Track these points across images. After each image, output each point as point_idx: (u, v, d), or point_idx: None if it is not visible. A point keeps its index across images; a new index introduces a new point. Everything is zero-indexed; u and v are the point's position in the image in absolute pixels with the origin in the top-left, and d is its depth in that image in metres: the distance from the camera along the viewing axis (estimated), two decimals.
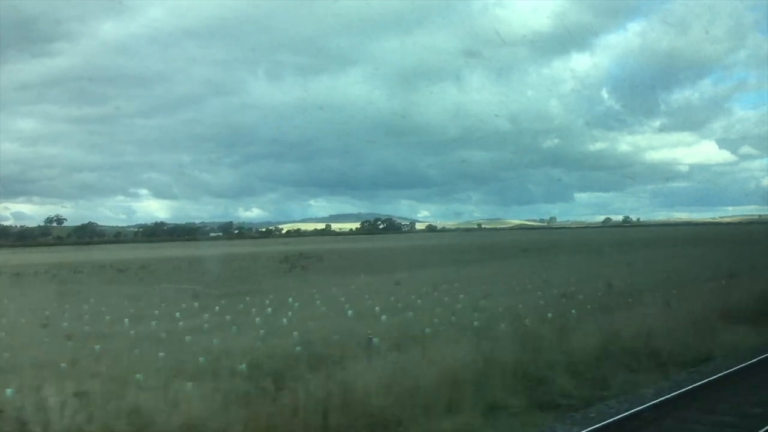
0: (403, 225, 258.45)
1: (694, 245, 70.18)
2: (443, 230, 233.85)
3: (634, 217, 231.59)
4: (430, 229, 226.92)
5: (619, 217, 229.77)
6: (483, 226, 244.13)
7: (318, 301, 28.87)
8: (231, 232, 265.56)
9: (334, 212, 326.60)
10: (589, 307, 21.72)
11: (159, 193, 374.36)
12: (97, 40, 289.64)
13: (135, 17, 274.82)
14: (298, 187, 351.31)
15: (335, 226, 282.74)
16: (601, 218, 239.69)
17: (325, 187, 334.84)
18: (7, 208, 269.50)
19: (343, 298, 29.75)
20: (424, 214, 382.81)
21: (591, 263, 47.76)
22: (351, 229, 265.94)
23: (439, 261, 57.28)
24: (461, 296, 29.38)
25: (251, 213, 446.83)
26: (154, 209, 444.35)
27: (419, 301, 27.84)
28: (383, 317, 22.76)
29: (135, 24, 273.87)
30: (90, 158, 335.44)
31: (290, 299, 29.57)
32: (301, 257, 71.26)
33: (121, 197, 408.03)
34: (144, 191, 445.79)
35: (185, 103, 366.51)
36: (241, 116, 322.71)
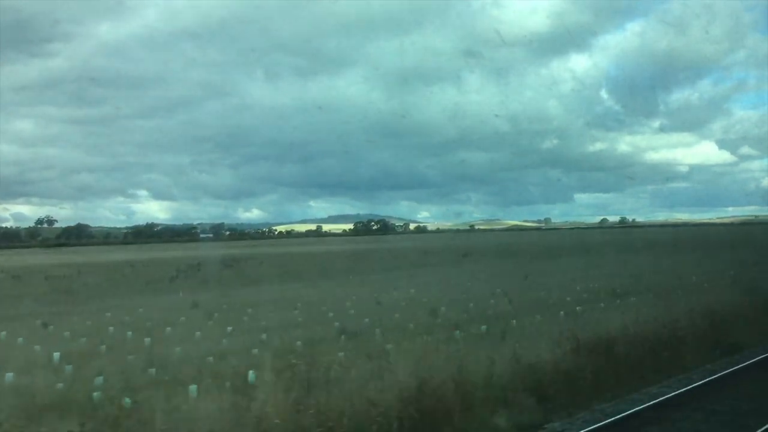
0: (397, 226, 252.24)
1: (651, 251, 61.89)
2: (436, 231, 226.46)
3: (633, 218, 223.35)
4: (419, 230, 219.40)
5: (617, 218, 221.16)
6: (476, 227, 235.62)
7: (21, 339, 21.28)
8: (222, 233, 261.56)
9: (333, 213, 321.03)
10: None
11: (158, 195, 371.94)
12: (96, 41, 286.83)
13: (135, 19, 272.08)
14: (298, 188, 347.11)
15: (327, 227, 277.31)
16: (598, 219, 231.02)
17: (325, 188, 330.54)
18: (7, 209, 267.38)
19: (68, 333, 22.23)
20: (424, 215, 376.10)
21: (497, 274, 39.86)
22: (344, 230, 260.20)
23: (345, 270, 49.63)
24: (229, 329, 21.77)
25: (251, 214, 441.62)
26: (153, 210, 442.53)
27: (147, 339, 20.21)
28: (8, 375, 15.26)
29: (135, 25, 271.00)
30: (89, 159, 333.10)
31: None
32: (209, 264, 64.18)
33: (120, 198, 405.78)
34: (143, 192, 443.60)
35: (184, 105, 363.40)
36: (241, 117, 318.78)
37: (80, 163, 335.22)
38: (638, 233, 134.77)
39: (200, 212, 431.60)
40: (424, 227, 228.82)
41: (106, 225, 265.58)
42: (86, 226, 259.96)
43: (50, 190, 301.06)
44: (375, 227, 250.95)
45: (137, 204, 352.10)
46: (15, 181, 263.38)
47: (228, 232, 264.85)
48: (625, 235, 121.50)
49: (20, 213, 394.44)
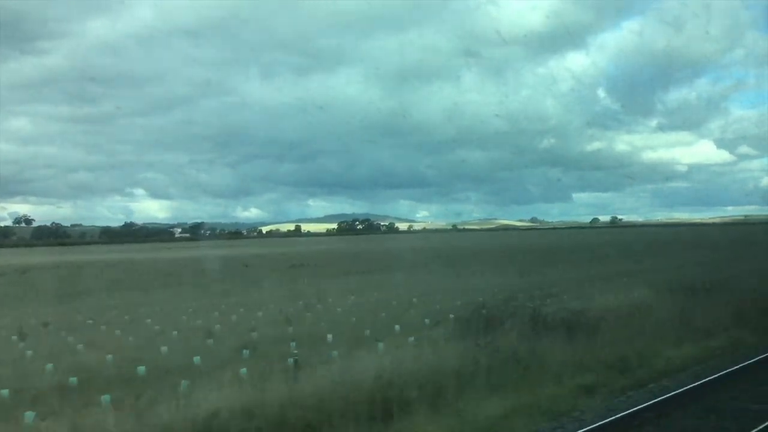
0: (383, 226, 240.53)
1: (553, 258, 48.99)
2: (421, 231, 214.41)
3: (631, 218, 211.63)
4: (390, 229, 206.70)
5: (608, 218, 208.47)
6: (466, 227, 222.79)
7: None
8: (201, 233, 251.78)
9: (332, 212, 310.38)
10: None
11: (156, 194, 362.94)
12: (94, 39, 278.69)
13: (132, 17, 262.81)
14: (297, 187, 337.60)
15: (319, 227, 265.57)
16: (595, 219, 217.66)
17: (324, 186, 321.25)
18: (4, 208, 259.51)
19: None
20: (424, 214, 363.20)
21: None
22: (327, 230, 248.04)
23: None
24: None
25: (250, 213, 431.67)
26: (152, 209, 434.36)
27: None
28: None
29: (132, 23, 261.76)
30: (87, 158, 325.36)
31: None
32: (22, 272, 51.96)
33: (118, 197, 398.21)
34: (141, 191, 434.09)
35: (182, 103, 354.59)
36: (239, 116, 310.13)
37: (78, 162, 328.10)
38: (615, 233, 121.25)
39: (199, 211, 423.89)
40: (396, 228, 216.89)
41: (106, 224, 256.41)
42: (61, 226, 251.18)
43: (48, 189, 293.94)
44: (359, 227, 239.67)
45: (135, 203, 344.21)
46: (12, 179, 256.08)
47: (208, 232, 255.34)
48: (588, 237, 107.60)
49: (17, 212, 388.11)
